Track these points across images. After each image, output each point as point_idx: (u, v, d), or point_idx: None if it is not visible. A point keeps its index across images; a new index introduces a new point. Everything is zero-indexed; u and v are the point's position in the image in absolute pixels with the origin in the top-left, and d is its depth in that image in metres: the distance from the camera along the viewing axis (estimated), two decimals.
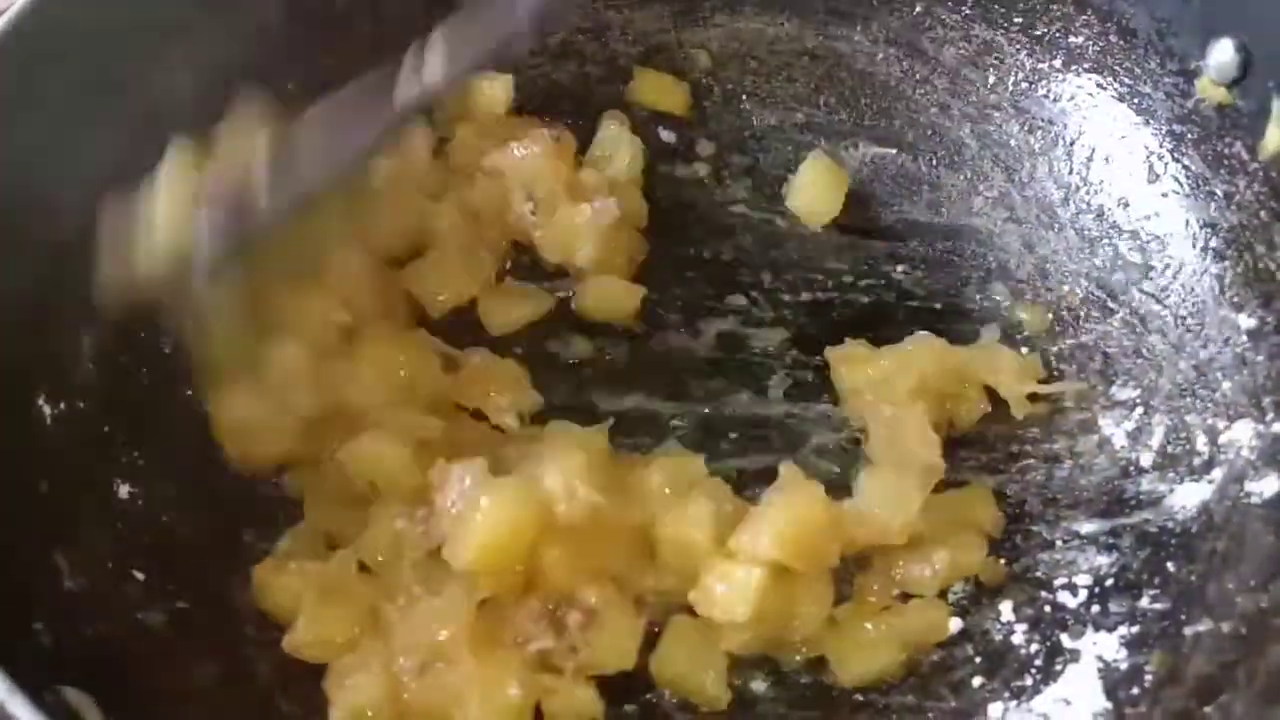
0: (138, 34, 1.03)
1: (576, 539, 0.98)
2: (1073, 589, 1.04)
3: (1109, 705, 0.97)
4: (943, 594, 1.04)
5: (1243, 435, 1.04)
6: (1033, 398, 1.12)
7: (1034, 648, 1.02)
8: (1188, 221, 1.14)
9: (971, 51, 1.24)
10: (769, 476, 1.07)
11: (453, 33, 0.93)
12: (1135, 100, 1.17)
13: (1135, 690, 0.97)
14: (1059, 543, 1.06)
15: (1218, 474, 1.04)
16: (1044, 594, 1.04)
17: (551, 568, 0.97)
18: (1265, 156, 1.07)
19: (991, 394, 1.12)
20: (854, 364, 1.12)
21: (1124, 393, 1.12)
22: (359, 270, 1.11)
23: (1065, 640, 1.02)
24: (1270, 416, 1.04)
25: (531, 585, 0.98)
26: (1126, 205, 1.18)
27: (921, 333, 1.14)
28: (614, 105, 1.26)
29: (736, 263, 1.21)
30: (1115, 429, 1.11)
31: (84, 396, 1.00)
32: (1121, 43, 1.17)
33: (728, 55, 1.29)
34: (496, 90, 1.21)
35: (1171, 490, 1.06)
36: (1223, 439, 1.05)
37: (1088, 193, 1.20)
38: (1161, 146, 1.16)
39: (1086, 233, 1.19)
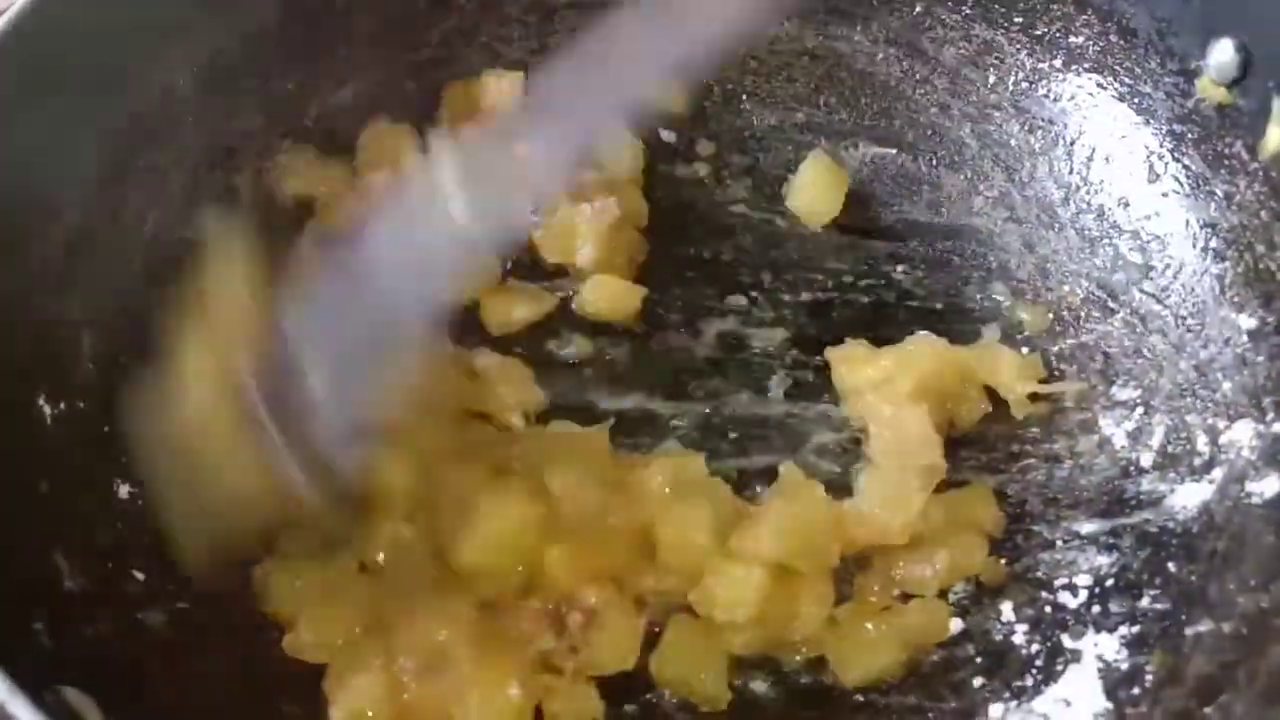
0: (138, 34, 1.03)
1: (577, 539, 0.98)
2: (1073, 589, 1.04)
3: (1109, 705, 0.97)
4: (943, 594, 1.04)
5: (1243, 435, 1.04)
6: (1033, 398, 1.12)
7: (1034, 648, 1.02)
8: (1188, 221, 1.13)
9: (971, 51, 1.24)
10: (769, 476, 1.07)
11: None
12: (1135, 100, 1.17)
13: (1136, 690, 0.97)
14: (1059, 543, 1.06)
15: (1218, 474, 1.04)
16: (1044, 594, 1.04)
17: (552, 568, 0.97)
18: (1265, 156, 1.07)
19: (992, 394, 1.12)
20: (854, 364, 1.12)
21: (1124, 393, 1.12)
22: None
23: (1066, 640, 1.01)
24: (1271, 416, 1.04)
25: (532, 585, 0.98)
26: (1127, 205, 1.17)
27: (922, 333, 1.13)
28: None
29: (736, 263, 1.21)
30: (1116, 429, 1.10)
31: (84, 396, 1.00)
32: (1122, 42, 1.17)
33: (727, 55, 1.29)
34: (504, 86, 1.20)
35: (1172, 490, 1.06)
36: (1223, 439, 1.05)
37: (1088, 192, 1.20)
38: (1162, 146, 1.16)
39: (1087, 232, 1.19)
